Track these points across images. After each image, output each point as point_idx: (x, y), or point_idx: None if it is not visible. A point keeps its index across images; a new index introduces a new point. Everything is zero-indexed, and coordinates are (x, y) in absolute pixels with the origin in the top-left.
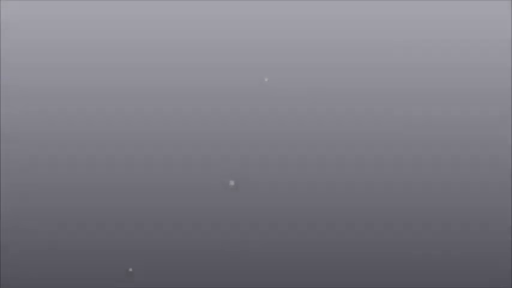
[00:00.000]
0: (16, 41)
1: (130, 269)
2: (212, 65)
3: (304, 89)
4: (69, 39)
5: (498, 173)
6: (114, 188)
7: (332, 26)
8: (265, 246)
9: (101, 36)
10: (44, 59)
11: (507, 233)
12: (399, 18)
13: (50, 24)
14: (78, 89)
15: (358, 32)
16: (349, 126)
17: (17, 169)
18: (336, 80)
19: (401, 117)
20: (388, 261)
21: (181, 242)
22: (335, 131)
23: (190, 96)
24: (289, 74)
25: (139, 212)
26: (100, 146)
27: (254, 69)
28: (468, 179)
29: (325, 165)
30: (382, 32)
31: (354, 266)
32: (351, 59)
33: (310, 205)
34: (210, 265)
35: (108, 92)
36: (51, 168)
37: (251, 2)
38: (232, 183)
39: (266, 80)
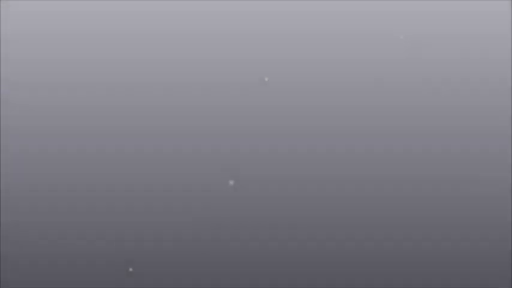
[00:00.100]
0: (15, 35)
1: (131, 269)
2: (211, 60)
3: (306, 86)
4: (67, 33)
5: (498, 172)
6: (114, 188)
7: (330, 19)
8: (266, 246)
9: (98, 29)
10: (43, 53)
11: (507, 233)
12: (401, 13)
13: (49, 19)
14: (77, 83)
15: (356, 27)
16: (349, 122)
17: (16, 165)
18: (335, 75)
19: (400, 114)
20: (387, 261)
21: (181, 242)
22: (336, 127)
23: (189, 92)
24: (290, 70)
25: (139, 212)
26: (98, 143)
27: (254, 65)
28: (467, 179)
29: (327, 162)
30: (382, 26)
31: (353, 266)
32: (350, 54)
33: (311, 205)
34: (210, 265)
35: (106, 87)
36: (51, 168)
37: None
38: (231, 182)
39: (266, 79)
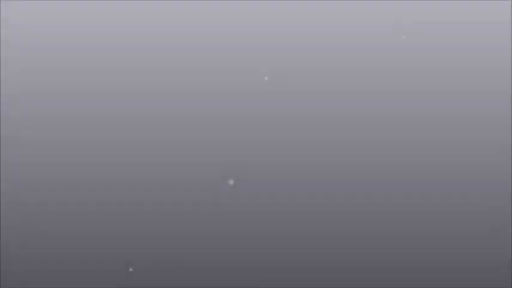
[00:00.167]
0: (16, 43)
1: (131, 269)
2: (211, 66)
3: (306, 86)
4: (68, 42)
5: (498, 174)
6: (113, 187)
7: (328, 30)
8: (265, 247)
9: (99, 39)
10: (45, 63)
11: (507, 233)
12: (400, 21)
13: (49, 27)
14: (79, 92)
15: (356, 37)
16: (350, 127)
17: (17, 171)
18: (336, 81)
19: (401, 118)
20: (387, 261)
21: (182, 242)
22: (337, 132)
23: (189, 92)
24: (290, 71)
25: (139, 212)
26: (99, 148)
27: (254, 64)
28: (467, 180)
29: (327, 166)
30: (381, 35)
31: (353, 267)
32: (349, 64)
33: (312, 205)
34: (210, 265)
35: (108, 95)
36: (51, 168)
37: (251, 2)
38: (231, 182)
39: (266, 79)
